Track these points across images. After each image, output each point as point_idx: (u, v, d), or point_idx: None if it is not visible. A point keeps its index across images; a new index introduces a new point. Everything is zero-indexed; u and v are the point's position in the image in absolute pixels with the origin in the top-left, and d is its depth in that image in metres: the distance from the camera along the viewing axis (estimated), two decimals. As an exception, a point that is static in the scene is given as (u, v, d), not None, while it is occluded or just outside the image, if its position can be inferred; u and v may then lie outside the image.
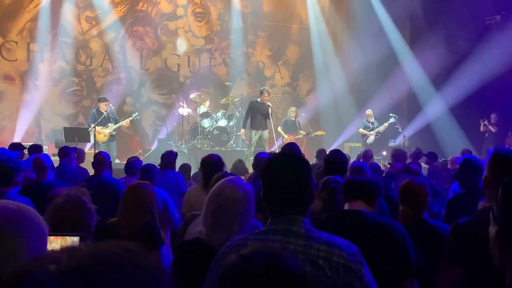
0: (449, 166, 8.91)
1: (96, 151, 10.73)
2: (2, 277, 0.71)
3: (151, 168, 5.35)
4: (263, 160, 5.63)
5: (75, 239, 1.80)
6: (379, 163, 11.07)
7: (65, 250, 0.74)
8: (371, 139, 13.20)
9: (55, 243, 1.75)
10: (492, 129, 12.97)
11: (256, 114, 11.51)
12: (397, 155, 8.31)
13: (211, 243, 2.52)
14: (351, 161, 6.59)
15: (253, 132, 11.55)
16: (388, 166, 8.22)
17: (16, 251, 1.22)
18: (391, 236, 2.53)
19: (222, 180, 2.70)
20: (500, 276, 1.42)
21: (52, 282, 0.67)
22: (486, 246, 2.40)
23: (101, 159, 5.69)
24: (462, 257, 2.46)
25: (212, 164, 4.32)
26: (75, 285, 0.67)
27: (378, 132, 13.21)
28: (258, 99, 11.64)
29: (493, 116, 13.05)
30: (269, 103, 11.55)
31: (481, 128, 13.18)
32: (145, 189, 3.72)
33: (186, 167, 7.47)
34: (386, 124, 13.14)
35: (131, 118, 11.69)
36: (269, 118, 11.51)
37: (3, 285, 0.69)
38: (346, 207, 2.91)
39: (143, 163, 5.91)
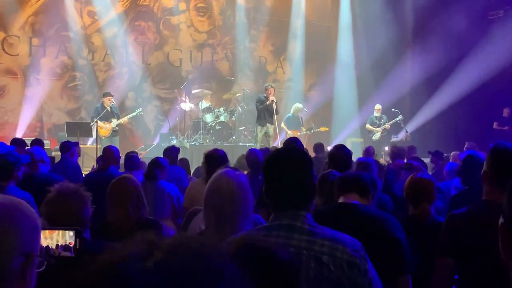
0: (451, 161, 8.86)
1: (99, 146, 10.76)
2: (93, 270, 0.66)
3: (157, 163, 5.27)
4: (253, 157, 5.65)
5: (71, 233, 1.75)
6: (381, 159, 11.06)
7: (142, 242, 0.68)
8: (377, 135, 12.97)
9: (50, 238, 1.71)
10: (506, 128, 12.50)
11: (263, 110, 11.48)
12: (397, 152, 8.23)
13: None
14: (353, 156, 6.53)
15: (259, 128, 11.52)
16: (390, 162, 8.17)
17: (8, 245, 1.21)
18: (384, 229, 2.52)
19: (216, 174, 2.60)
20: (492, 267, 1.39)
21: (146, 275, 0.63)
22: (480, 237, 2.38)
23: (110, 154, 5.69)
24: (455, 248, 2.45)
25: (216, 158, 4.30)
26: (171, 278, 0.63)
27: (384, 130, 13.01)
28: (264, 95, 11.58)
29: (505, 110, 12.69)
30: (273, 98, 11.49)
31: (494, 126, 12.73)
32: (124, 182, 3.26)
33: (184, 162, 7.43)
34: (393, 122, 12.97)
35: (134, 114, 11.66)
36: (274, 113, 11.47)
37: (98, 280, 0.65)
38: (340, 200, 2.91)
39: (143, 158, 5.88)
